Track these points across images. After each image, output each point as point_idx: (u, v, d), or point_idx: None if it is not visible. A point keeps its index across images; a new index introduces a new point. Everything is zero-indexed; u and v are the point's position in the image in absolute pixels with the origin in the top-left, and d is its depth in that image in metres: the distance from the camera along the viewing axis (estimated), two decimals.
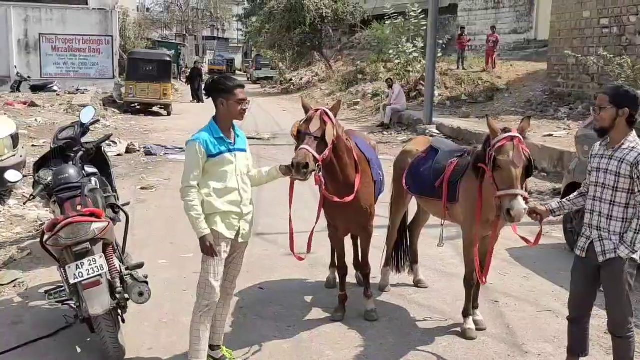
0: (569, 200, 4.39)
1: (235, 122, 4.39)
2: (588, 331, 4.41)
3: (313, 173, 4.54)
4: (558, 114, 16.75)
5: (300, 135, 4.66)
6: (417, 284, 6.37)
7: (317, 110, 4.72)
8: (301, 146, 4.52)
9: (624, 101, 3.93)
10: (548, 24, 23.75)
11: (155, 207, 9.58)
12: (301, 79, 39.08)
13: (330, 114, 4.73)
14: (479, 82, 22.30)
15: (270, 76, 46.70)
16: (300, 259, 5.15)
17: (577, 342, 4.39)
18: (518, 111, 19.03)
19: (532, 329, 5.38)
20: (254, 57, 54.89)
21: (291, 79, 40.44)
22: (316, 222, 5.24)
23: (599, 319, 5.47)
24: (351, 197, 5.02)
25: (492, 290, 6.11)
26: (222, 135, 4.29)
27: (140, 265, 4.98)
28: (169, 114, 23.69)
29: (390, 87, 20.45)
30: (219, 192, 4.24)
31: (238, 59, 69.48)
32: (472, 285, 5.23)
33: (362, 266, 5.63)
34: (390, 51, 24.40)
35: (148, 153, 14.38)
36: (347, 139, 5.06)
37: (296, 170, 4.42)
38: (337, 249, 5.58)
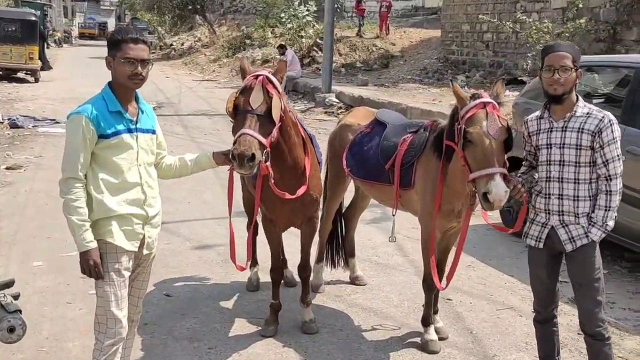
0: (525, 175, 3.70)
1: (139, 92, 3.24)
2: (557, 328, 3.80)
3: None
4: (456, 82, 16.45)
5: (238, 113, 3.54)
6: (354, 280, 5.45)
7: (257, 77, 3.58)
8: (242, 130, 3.40)
9: (579, 61, 3.44)
10: None
11: (26, 192, 8.01)
12: (182, 44, 36.98)
13: (275, 80, 3.61)
14: (374, 49, 21.72)
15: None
16: (242, 269, 4.25)
17: (551, 345, 3.78)
18: (415, 79, 18.63)
19: (498, 334, 4.60)
20: (130, 21, 51.71)
21: (172, 44, 38.14)
22: (252, 221, 4.24)
23: (566, 316, 4.83)
24: (304, 189, 3.98)
25: None
26: (120, 108, 3.10)
27: (9, 284, 3.61)
28: (36, 80, 21.43)
29: (282, 53, 19.27)
30: (114, 189, 3.07)
31: (111, 23, 65.38)
32: (434, 289, 4.36)
33: (301, 267, 4.56)
34: (282, 15, 23.14)
35: (13, 125, 12.75)
36: (289, 111, 3.98)
37: (239, 163, 3.32)
38: (272, 247, 4.48)
